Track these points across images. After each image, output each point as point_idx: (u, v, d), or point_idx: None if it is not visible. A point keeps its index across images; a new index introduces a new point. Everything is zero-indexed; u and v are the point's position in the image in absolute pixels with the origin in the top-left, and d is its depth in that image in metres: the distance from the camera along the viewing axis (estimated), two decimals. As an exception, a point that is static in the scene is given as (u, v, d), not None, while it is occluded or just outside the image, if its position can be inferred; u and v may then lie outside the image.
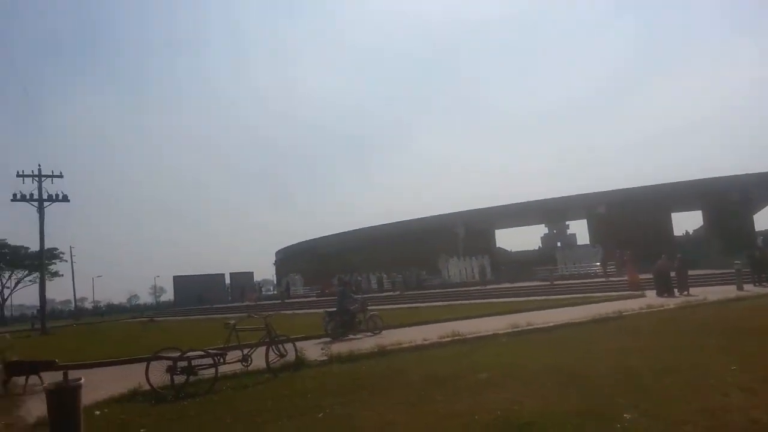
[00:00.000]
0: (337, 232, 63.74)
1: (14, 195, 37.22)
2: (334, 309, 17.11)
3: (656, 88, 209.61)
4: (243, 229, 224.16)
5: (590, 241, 48.31)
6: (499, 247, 56.36)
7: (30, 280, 79.59)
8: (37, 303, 43.35)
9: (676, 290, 22.97)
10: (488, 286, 37.08)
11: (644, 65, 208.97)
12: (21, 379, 11.39)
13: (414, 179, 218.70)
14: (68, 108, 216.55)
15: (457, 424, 5.84)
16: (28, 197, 37.43)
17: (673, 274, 23.75)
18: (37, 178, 37.63)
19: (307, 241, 68.57)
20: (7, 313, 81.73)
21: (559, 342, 11.56)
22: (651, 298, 21.52)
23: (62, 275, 79.90)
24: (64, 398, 6.26)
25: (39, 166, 37.93)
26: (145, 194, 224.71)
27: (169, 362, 9.35)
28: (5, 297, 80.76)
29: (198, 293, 60.54)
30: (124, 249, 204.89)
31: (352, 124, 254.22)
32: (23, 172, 37.40)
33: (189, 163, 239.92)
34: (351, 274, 47.33)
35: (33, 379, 11.45)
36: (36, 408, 8.66)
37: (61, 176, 38.47)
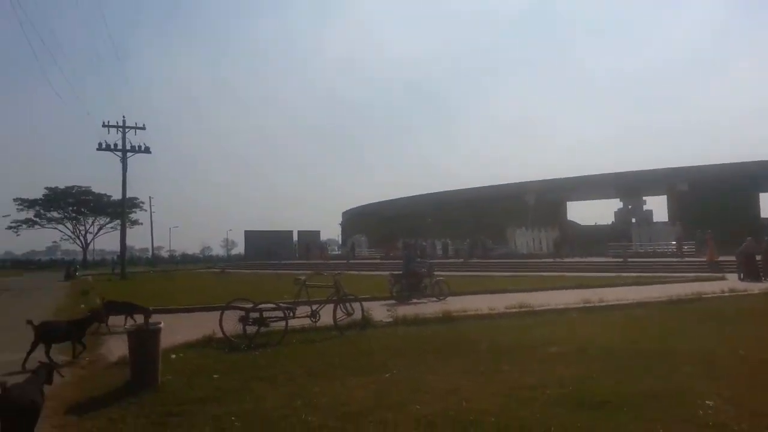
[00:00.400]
0: (404, 195, 63.83)
1: (99, 144, 38.99)
2: (401, 272, 17.17)
3: (755, 58, 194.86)
4: (313, 189, 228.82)
5: (669, 218, 46.18)
6: (570, 220, 54.86)
7: (111, 227, 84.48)
8: (117, 249, 45.96)
9: (762, 275, 21.65)
10: (562, 260, 36.02)
11: (740, 37, 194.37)
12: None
13: (486, 144, 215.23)
14: (153, 63, 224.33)
15: (526, 397, 5.72)
16: (112, 147, 39.18)
17: (759, 257, 22.37)
18: (121, 129, 39.30)
19: (373, 203, 69.10)
20: (89, 257, 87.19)
21: (634, 321, 11.14)
22: (733, 281, 20.37)
23: (141, 224, 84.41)
24: (144, 340, 6.57)
25: (123, 117, 39.54)
26: (222, 150, 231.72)
27: (242, 312, 9.66)
28: (88, 242, 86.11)
29: (267, 248, 62.35)
30: (199, 202, 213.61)
31: (429, 86, 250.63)
32: (108, 122, 39.08)
33: (266, 122, 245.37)
34: (416, 238, 47.37)
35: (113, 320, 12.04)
36: (116, 347, 9.15)
37: (143, 128, 39.99)
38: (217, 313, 10.22)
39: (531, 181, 50.84)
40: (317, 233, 76.25)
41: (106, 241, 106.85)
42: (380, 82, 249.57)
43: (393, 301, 15.91)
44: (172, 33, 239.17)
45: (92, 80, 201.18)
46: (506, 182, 54.02)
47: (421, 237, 49.57)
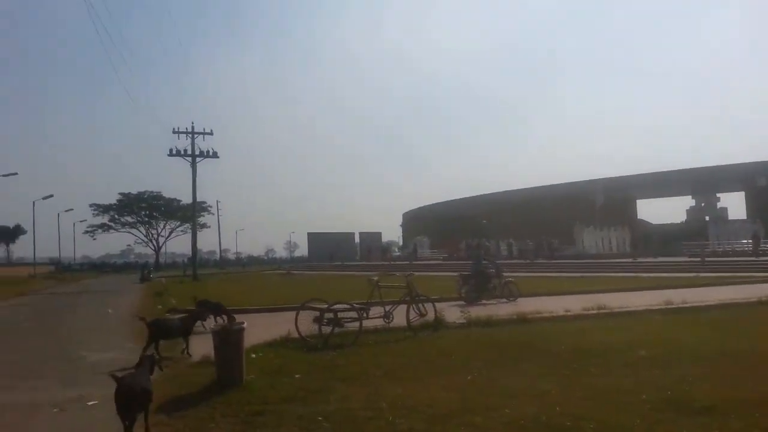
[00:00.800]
0: (466, 196, 63.23)
1: (170, 150, 40.51)
2: (469, 272, 16.92)
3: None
4: (374, 190, 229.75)
5: (747, 215, 43.74)
6: (640, 219, 52.86)
7: (182, 230, 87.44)
8: (187, 252, 47.51)
9: None
10: (638, 260, 34.59)
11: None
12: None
13: (549, 142, 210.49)
14: (217, 69, 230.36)
15: (622, 401, 5.44)
16: (182, 153, 40.59)
17: None
18: (190, 136, 40.64)
19: (433, 204, 68.77)
20: (161, 260, 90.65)
21: (720, 323, 10.53)
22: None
23: (209, 227, 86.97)
24: (229, 340, 6.67)
25: (192, 123, 40.86)
26: (284, 153, 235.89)
27: (317, 313, 9.72)
28: (160, 245, 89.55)
29: (330, 250, 63.11)
30: (263, 205, 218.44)
31: (490, 83, 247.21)
32: (178, 129, 40.50)
33: (325, 123, 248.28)
34: (479, 239, 46.78)
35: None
36: (195, 347, 9.37)
37: (211, 133, 41.24)
38: (290, 314, 10.33)
39: (598, 179, 49.30)
40: (378, 234, 76.61)
41: (176, 244, 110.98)
42: (437, 80, 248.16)
43: (461, 302, 15.68)
44: (234, 38, 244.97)
45: (164, 88, 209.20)
46: (571, 180, 52.56)
47: (484, 237, 48.94)
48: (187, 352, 8.94)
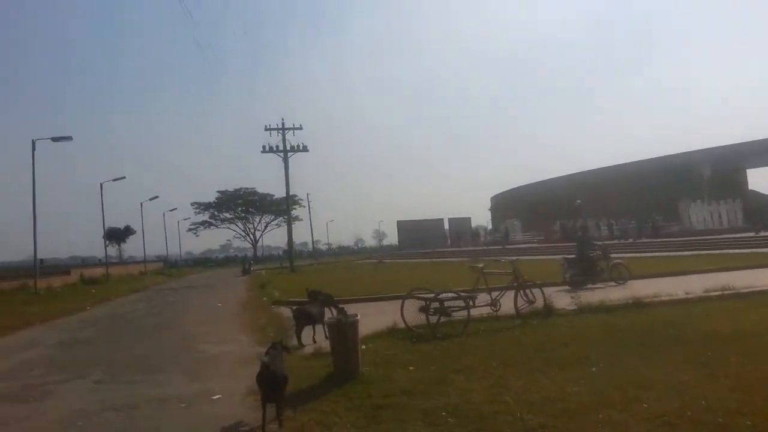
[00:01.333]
0: (558, 175, 61.05)
1: (263, 147, 41.98)
2: (573, 256, 16.23)
3: None
4: (459, 174, 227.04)
5: None
6: (752, 190, 48.93)
7: (276, 224, 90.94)
8: (282, 244, 49.14)
9: None
10: (761, 233, 31.83)
11: None
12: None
13: (646, 114, 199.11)
14: (303, 65, 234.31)
15: (780, 395, 4.90)
16: (274, 149, 41.90)
17: None
18: (281, 131, 41.84)
19: (523, 185, 66.92)
20: (258, 253, 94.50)
21: None
22: None
23: (301, 219, 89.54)
24: (345, 332, 6.65)
25: (282, 120, 42.17)
26: (370, 143, 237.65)
27: (422, 302, 9.58)
28: (257, 239, 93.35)
29: (420, 237, 63.17)
30: (351, 195, 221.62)
31: (574, 55, 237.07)
32: (270, 125, 41.82)
33: (407, 113, 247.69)
34: (575, 219, 45.04)
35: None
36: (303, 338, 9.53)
37: (300, 128, 42.31)
38: (390, 303, 10.27)
39: (703, 149, 46.01)
40: (468, 220, 75.84)
41: (271, 237, 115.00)
42: (521, 56, 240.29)
43: (567, 288, 15.05)
44: (322, 29, 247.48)
45: (257, 87, 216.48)
46: (672, 152, 49.36)
47: (580, 218, 47.07)
48: (313, 339, 9.35)
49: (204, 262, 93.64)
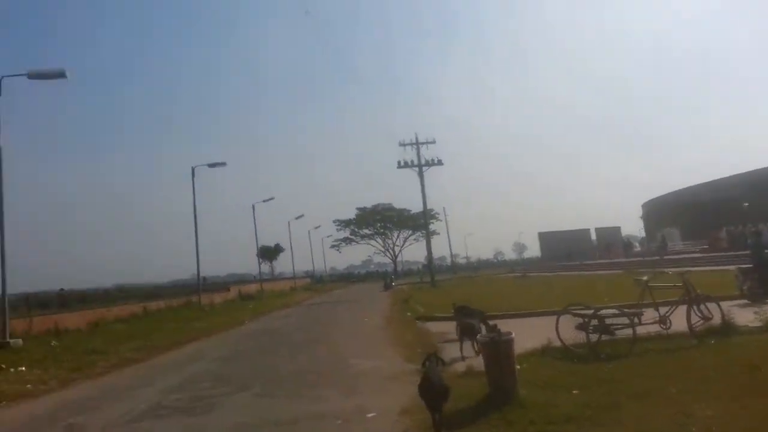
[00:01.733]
0: (718, 177, 55.33)
1: (398, 162, 42.68)
2: (749, 265, 14.39)
3: None
4: (603, 183, 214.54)
5: None
6: None
7: (414, 239, 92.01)
8: (419, 259, 49.36)
9: None
10: None
11: None
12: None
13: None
14: (436, 76, 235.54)
15: None
16: (409, 164, 42.41)
17: None
18: (415, 146, 42.27)
19: (683, 188, 61.38)
20: (398, 267, 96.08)
21: None
22: None
23: (438, 234, 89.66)
24: (499, 352, 6.28)
25: (416, 135, 42.54)
26: (507, 152, 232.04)
27: (580, 319, 8.88)
28: (396, 254, 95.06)
29: (564, 249, 60.39)
30: (489, 207, 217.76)
31: (718, 47, 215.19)
32: (404, 141, 42.45)
33: (540, 121, 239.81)
34: (743, 224, 40.37)
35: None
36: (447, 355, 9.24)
37: (434, 142, 42.51)
38: (540, 319, 9.65)
39: None
40: (617, 229, 71.06)
41: (409, 251, 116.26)
42: (658, 53, 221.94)
43: (744, 301, 13.33)
44: (456, 38, 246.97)
45: (390, 106, 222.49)
46: None
47: (749, 222, 42.13)
48: (475, 351, 8.98)
49: (347, 277, 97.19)
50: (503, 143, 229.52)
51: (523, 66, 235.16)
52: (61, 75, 16.03)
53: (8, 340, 14.24)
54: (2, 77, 15.32)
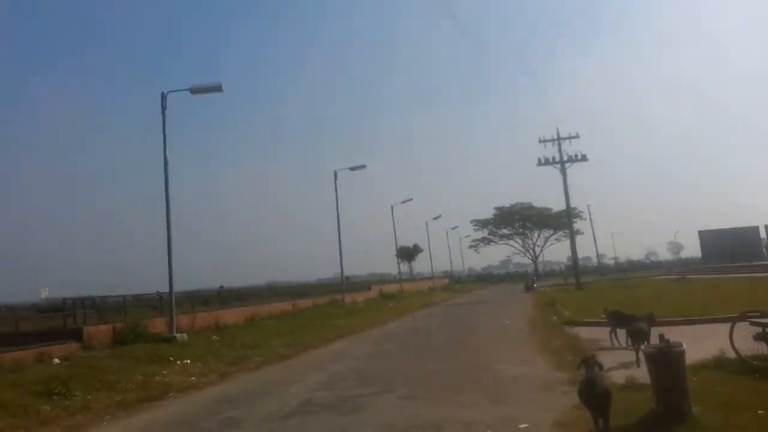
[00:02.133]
0: None
1: (539, 160, 41.03)
2: None
3: None
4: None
5: None
6: None
7: (555, 239, 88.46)
8: (562, 259, 47.12)
9: None
10: None
11: None
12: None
13: None
14: (576, 69, 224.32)
15: None
16: (550, 160, 40.65)
17: None
18: (556, 142, 40.43)
19: None
20: (539, 268, 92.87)
21: None
22: None
23: (582, 233, 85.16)
24: (669, 365, 5.66)
25: (557, 129, 40.63)
26: (660, 145, 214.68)
27: (759, 328, 7.83)
28: (537, 254, 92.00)
29: (729, 248, 54.56)
30: (640, 204, 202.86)
31: None
32: (544, 137, 40.76)
33: (701, 110, 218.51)
34: None
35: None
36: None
37: (577, 136, 40.30)
38: (707, 327, 8.66)
39: None
40: (792, 226, 62.90)
41: (550, 251, 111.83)
42: None
43: None
44: (598, 30, 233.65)
45: (524, 105, 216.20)
46: None
47: None
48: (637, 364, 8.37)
49: (486, 278, 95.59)
50: (653, 136, 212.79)
51: (669, 55, 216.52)
52: (218, 89, 17.27)
53: (175, 334, 15.49)
54: (167, 92, 16.83)
